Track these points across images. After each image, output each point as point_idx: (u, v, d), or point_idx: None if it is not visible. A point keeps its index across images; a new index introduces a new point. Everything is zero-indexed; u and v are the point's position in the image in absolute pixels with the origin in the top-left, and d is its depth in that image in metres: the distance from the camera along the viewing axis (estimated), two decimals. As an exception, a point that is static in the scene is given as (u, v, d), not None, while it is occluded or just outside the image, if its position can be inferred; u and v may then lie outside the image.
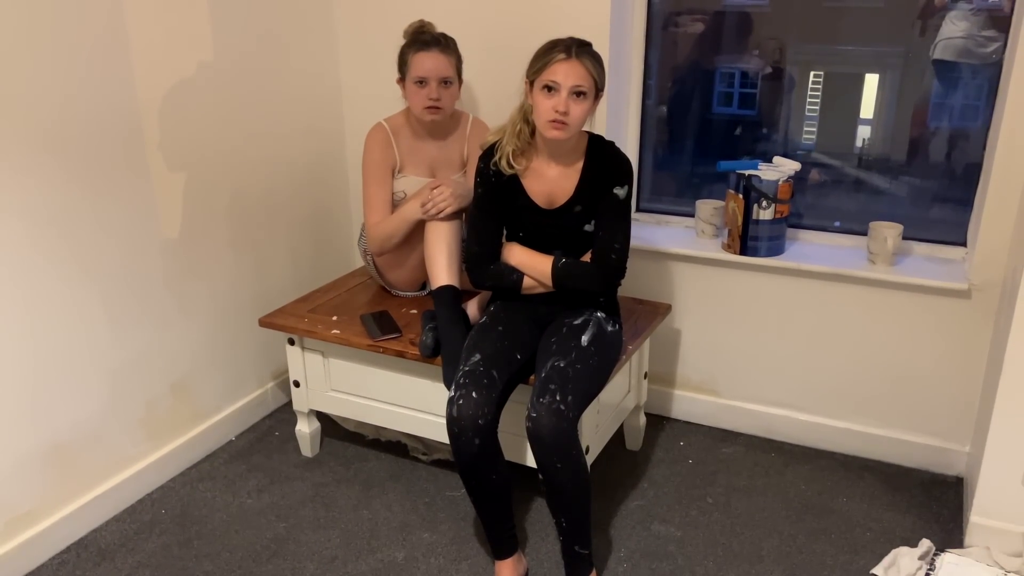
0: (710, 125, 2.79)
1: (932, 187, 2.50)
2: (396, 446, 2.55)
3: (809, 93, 2.66)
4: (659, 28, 2.61)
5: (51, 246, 1.97)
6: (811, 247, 2.49)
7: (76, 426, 2.11)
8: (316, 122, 2.79)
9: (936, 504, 2.27)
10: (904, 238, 2.39)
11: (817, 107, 2.65)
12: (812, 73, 2.65)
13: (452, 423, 1.79)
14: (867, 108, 2.60)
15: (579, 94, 1.83)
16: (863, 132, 2.63)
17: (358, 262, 2.97)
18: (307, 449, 2.52)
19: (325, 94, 2.81)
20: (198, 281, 2.41)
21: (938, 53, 2.37)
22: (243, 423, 2.66)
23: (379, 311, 2.34)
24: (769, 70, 2.65)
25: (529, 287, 2.00)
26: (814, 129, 2.68)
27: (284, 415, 2.75)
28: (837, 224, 2.55)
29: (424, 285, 2.47)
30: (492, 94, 2.57)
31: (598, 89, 1.87)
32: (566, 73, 1.82)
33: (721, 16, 2.65)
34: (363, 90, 2.83)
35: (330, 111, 2.84)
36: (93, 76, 2.00)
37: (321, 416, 2.54)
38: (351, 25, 2.76)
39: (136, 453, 2.30)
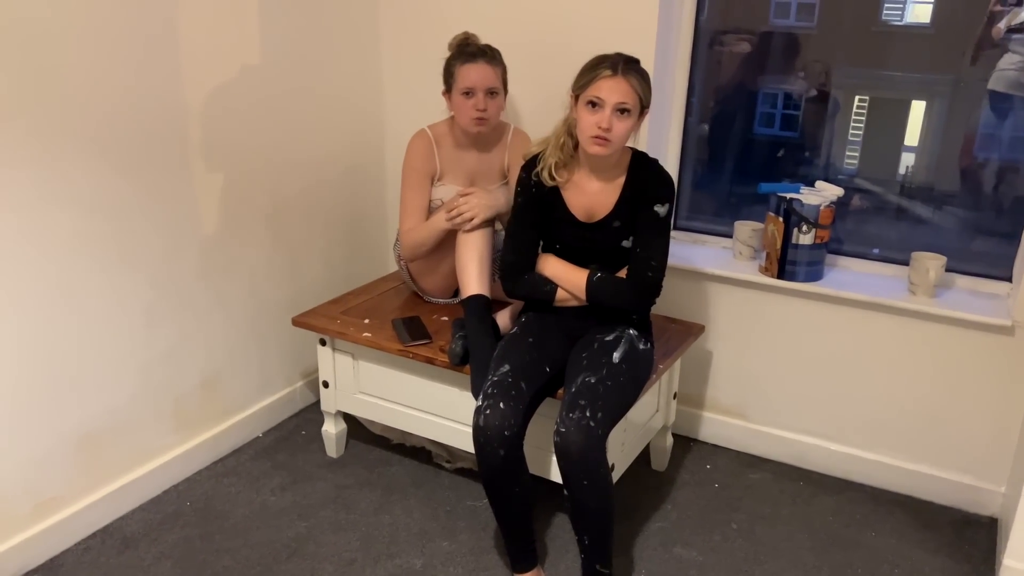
0: (750, 146, 2.77)
1: (977, 219, 2.45)
2: (420, 452, 2.55)
3: (853, 118, 2.63)
4: (704, 46, 2.59)
5: (96, 238, 2.00)
6: (850, 274, 2.45)
7: (107, 415, 2.13)
8: (356, 126, 2.81)
9: (968, 545, 2.21)
10: (947, 270, 2.34)
11: (860, 132, 2.62)
12: (857, 97, 2.62)
13: (478, 433, 1.78)
14: (912, 135, 2.56)
15: (623, 111, 1.82)
16: (907, 159, 2.60)
17: (391, 266, 2.98)
18: (332, 450, 2.53)
19: (367, 98, 2.83)
20: (233, 278, 2.44)
21: (992, 83, 2.33)
22: (270, 421, 2.68)
23: (410, 316, 2.35)
24: (813, 93, 2.62)
25: (562, 300, 1.99)
26: (856, 154, 2.64)
27: (310, 415, 2.76)
28: (876, 251, 2.50)
29: (456, 292, 2.47)
30: (535, 105, 2.57)
31: (643, 106, 1.87)
32: (611, 90, 1.81)
33: (768, 37, 2.63)
34: (405, 96, 2.85)
35: (371, 116, 2.86)
36: (143, 77, 2.04)
37: (347, 418, 2.54)
38: (395, 31, 2.78)
39: (164, 445, 2.32)
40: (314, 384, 2.83)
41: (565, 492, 1.78)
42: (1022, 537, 1.98)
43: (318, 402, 2.80)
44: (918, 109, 2.56)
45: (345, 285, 2.76)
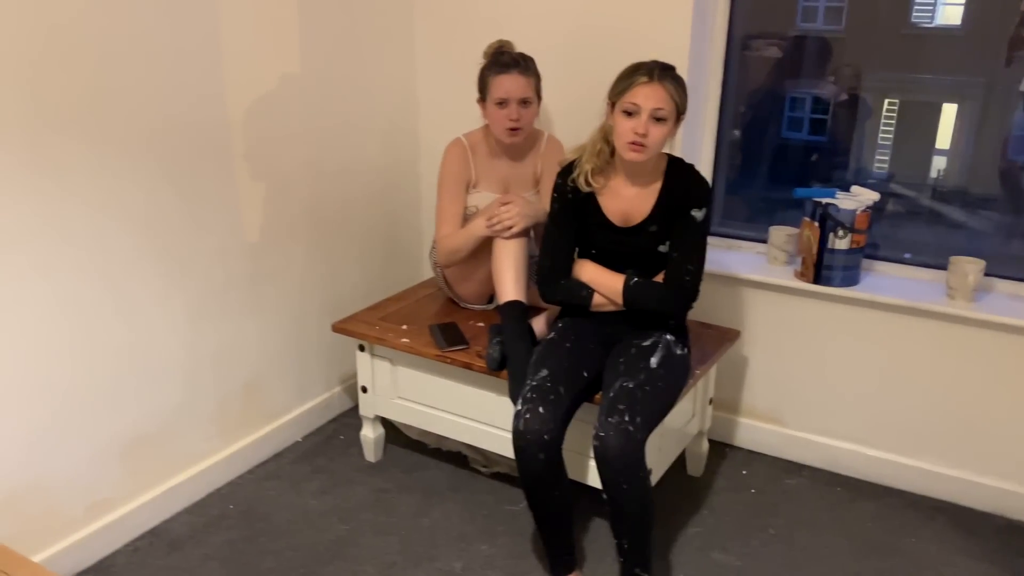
0: (780, 151, 2.77)
1: (1012, 222, 2.43)
2: (456, 456, 2.58)
3: (883, 121, 2.62)
4: (735, 52, 2.60)
5: (146, 246, 2.06)
6: (887, 279, 2.44)
7: (155, 419, 2.19)
8: (392, 135, 2.85)
9: (1012, 553, 2.19)
10: (985, 274, 2.32)
11: (891, 135, 2.61)
12: (887, 100, 2.61)
13: (518, 437, 1.80)
14: (943, 138, 2.55)
15: (659, 119, 1.84)
16: (938, 163, 2.58)
17: (426, 273, 3.02)
18: (370, 454, 2.56)
19: (402, 107, 2.88)
20: (274, 284, 2.49)
21: None
22: (309, 425, 2.72)
23: (447, 322, 2.38)
24: (843, 96, 2.62)
25: (599, 304, 2.01)
26: (887, 158, 2.63)
27: (348, 419, 2.81)
28: (908, 256, 2.49)
29: (491, 299, 2.50)
30: (568, 112, 2.59)
31: (679, 113, 1.88)
32: (647, 96, 1.83)
33: (796, 40, 2.64)
34: (439, 105, 2.89)
35: (406, 124, 2.91)
36: (190, 92, 2.09)
37: (384, 423, 2.58)
38: (430, 40, 2.83)
39: (207, 448, 2.37)
40: (351, 389, 2.88)
41: (604, 496, 1.80)
42: (1067, 544, 1.96)
43: (355, 407, 2.85)
44: (949, 112, 2.55)
45: (382, 291, 2.80)
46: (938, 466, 2.40)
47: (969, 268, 2.26)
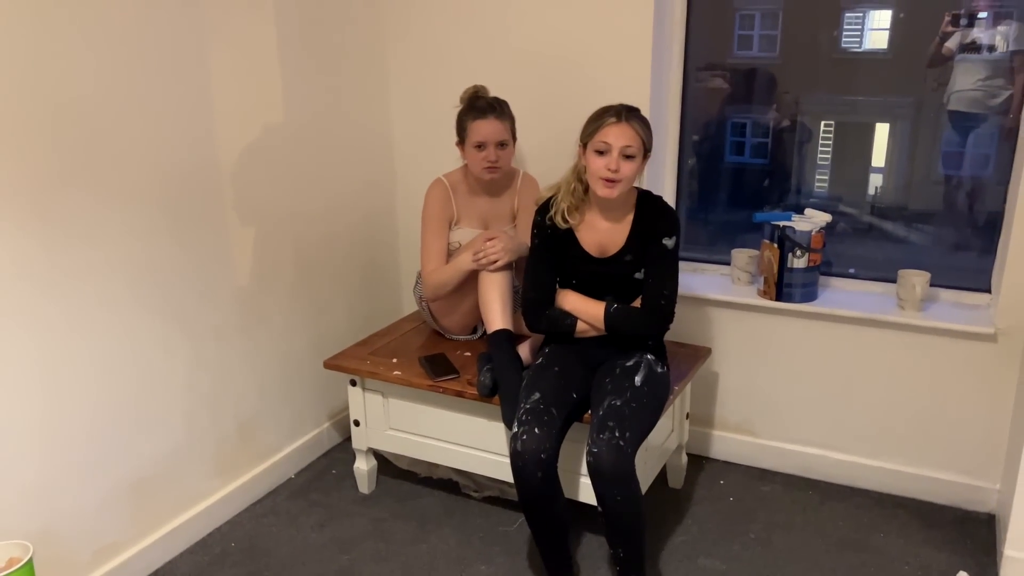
0: (728, 176, 2.95)
1: (948, 234, 2.64)
2: (448, 484, 2.67)
3: (821, 143, 2.80)
4: (691, 86, 2.78)
5: (144, 292, 2.14)
6: (842, 293, 2.63)
7: (156, 462, 2.25)
8: (371, 178, 2.97)
9: (970, 540, 2.37)
10: (930, 285, 2.52)
11: (829, 156, 2.80)
12: (823, 123, 2.78)
13: (516, 457, 1.92)
14: (879, 157, 2.74)
15: (629, 156, 2.00)
16: (875, 180, 2.78)
17: (407, 308, 3.13)
18: (364, 486, 2.64)
19: (379, 153, 3.00)
20: (263, 326, 2.57)
21: (952, 104, 2.52)
22: (302, 461, 2.79)
23: (436, 353, 2.49)
24: (782, 121, 2.80)
25: (582, 331, 2.15)
26: (827, 178, 2.82)
27: (339, 454, 2.88)
28: (852, 271, 2.68)
29: (475, 329, 2.63)
30: (540, 149, 2.74)
31: (646, 150, 2.05)
32: (617, 135, 1.99)
33: (733, 69, 2.83)
34: (414, 148, 3.02)
35: (383, 168, 3.04)
36: (182, 140, 2.19)
37: (376, 455, 2.66)
38: (403, 88, 2.97)
39: (207, 489, 2.43)
40: (340, 424, 2.96)
41: (599, 509, 1.92)
42: (1019, 529, 2.14)
43: (345, 442, 2.94)
44: (883, 131, 2.74)
45: (365, 328, 2.89)
46: (899, 465, 2.58)
47: (916, 280, 2.45)
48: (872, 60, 2.68)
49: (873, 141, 2.76)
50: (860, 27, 2.66)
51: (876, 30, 2.65)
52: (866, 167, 2.79)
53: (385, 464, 2.73)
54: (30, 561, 1.32)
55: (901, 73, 2.63)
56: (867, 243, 2.74)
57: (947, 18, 2.46)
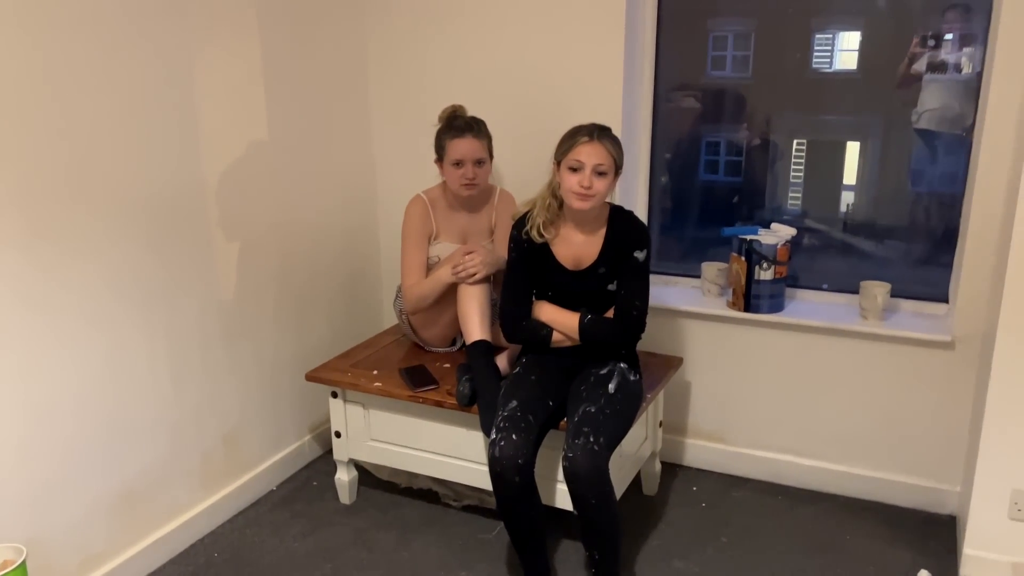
0: (703, 193, 3.05)
1: (915, 249, 2.75)
2: (428, 493, 2.73)
3: (793, 161, 2.90)
4: (661, 104, 2.89)
5: (131, 307, 2.19)
6: (808, 304, 2.74)
7: (142, 475, 2.29)
8: (351, 194, 3.05)
9: (932, 541, 2.46)
10: (892, 296, 2.63)
11: (802, 174, 2.90)
12: (795, 142, 2.88)
13: (494, 463, 1.98)
14: (850, 174, 2.83)
15: (601, 173, 2.08)
16: (847, 197, 2.88)
17: (388, 321, 3.19)
18: (345, 497, 2.69)
19: (360, 170, 3.08)
20: (247, 340, 2.62)
21: (920, 123, 2.63)
22: (283, 473, 2.84)
23: (415, 365, 2.55)
24: (754, 140, 2.90)
25: (558, 341, 2.23)
26: (799, 195, 2.93)
27: (320, 466, 2.93)
28: (825, 287, 2.78)
29: (455, 341, 2.69)
30: (517, 166, 2.82)
31: (618, 167, 2.14)
32: (589, 154, 2.08)
33: (707, 89, 2.92)
34: (394, 165, 3.10)
35: (364, 185, 3.11)
36: (168, 158, 2.25)
37: (356, 466, 2.71)
38: (384, 110, 3.05)
39: (190, 500, 2.47)
40: (321, 437, 3.00)
41: (575, 512, 1.99)
42: (977, 529, 2.23)
43: (325, 454, 2.99)
44: (853, 149, 2.83)
45: (347, 342, 2.95)
46: (864, 470, 2.67)
47: (877, 291, 2.56)
48: (842, 80, 2.77)
49: (844, 159, 2.85)
50: (830, 48, 2.76)
51: (846, 51, 2.75)
52: (837, 185, 2.88)
53: (366, 475, 2.78)
54: (23, 564, 1.36)
55: (870, 93, 2.73)
56: (839, 258, 2.84)
57: (915, 40, 2.57)
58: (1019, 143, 2.13)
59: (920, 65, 2.59)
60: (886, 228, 2.82)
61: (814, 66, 2.77)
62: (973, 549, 2.24)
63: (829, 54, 2.77)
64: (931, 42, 2.57)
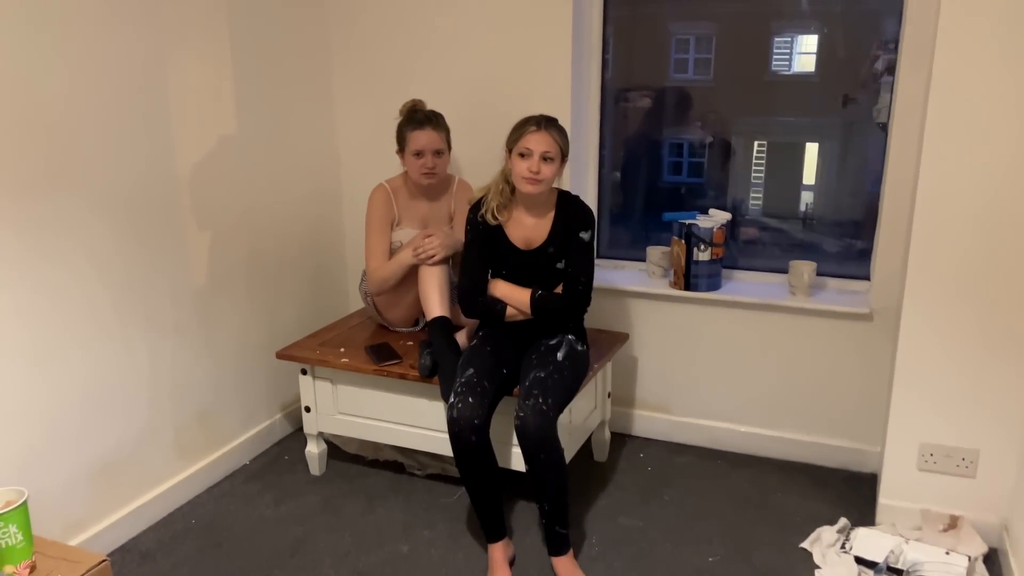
0: (662, 193, 3.21)
1: (864, 240, 2.93)
2: (393, 464, 2.91)
3: (754, 161, 3.02)
4: (611, 104, 3.10)
5: (110, 290, 2.33)
6: (743, 283, 2.97)
7: (121, 446, 2.43)
8: (317, 187, 3.21)
9: (855, 495, 2.70)
10: (820, 275, 2.87)
11: (762, 174, 3.03)
12: (756, 143, 3.00)
13: (452, 423, 2.17)
14: (809, 175, 2.96)
15: (548, 158, 2.28)
16: (806, 197, 3.00)
17: (353, 306, 3.36)
18: (315, 468, 2.86)
19: (325, 162, 3.25)
20: (219, 323, 2.78)
21: (880, 118, 2.74)
22: (255, 449, 2.99)
23: (380, 343, 2.73)
24: (715, 140, 3.01)
25: (512, 315, 2.42)
26: (760, 194, 3.06)
27: (291, 443, 3.09)
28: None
29: (417, 321, 2.88)
30: (472, 157, 3.02)
31: (563, 154, 2.34)
32: (537, 142, 2.28)
33: (670, 91, 3.07)
34: (356, 158, 3.28)
35: (329, 177, 3.28)
36: (144, 151, 2.41)
37: (325, 441, 2.88)
38: (347, 105, 3.22)
39: (168, 472, 2.62)
40: (291, 416, 3.16)
41: (527, 468, 2.18)
42: (890, 480, 2.48)
43: (295, 432, 3.15)
44: (812, 150, 2.94)
45: (313, 326, 3.12)
46: (795, 434, 2.91)
47: (804, 269, 2.80)
48: (801, 83, 2.88)
49: (804, 160, 2.96)
50: (789, 51, 2.87)
51: (804, 54, 2.86)
52: (797, 184, 2.99)
53: (334, 450, 2.95)
54: (25, 503, 1.51)
55: (828, 95, 2.83)
56: (796, 253, 2.95)
57: (875, 42, 2.71)
58: (921, 138, 2.36)
59: (880, 66, 2.76)
60: (843, 223, 2.94)
61: (773, 68, 2.87)
62: (887, 498, 2.49)
63: (788, 57, 2.87)
64: (891, 45, 2.71)
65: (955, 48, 2.12)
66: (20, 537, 1.49)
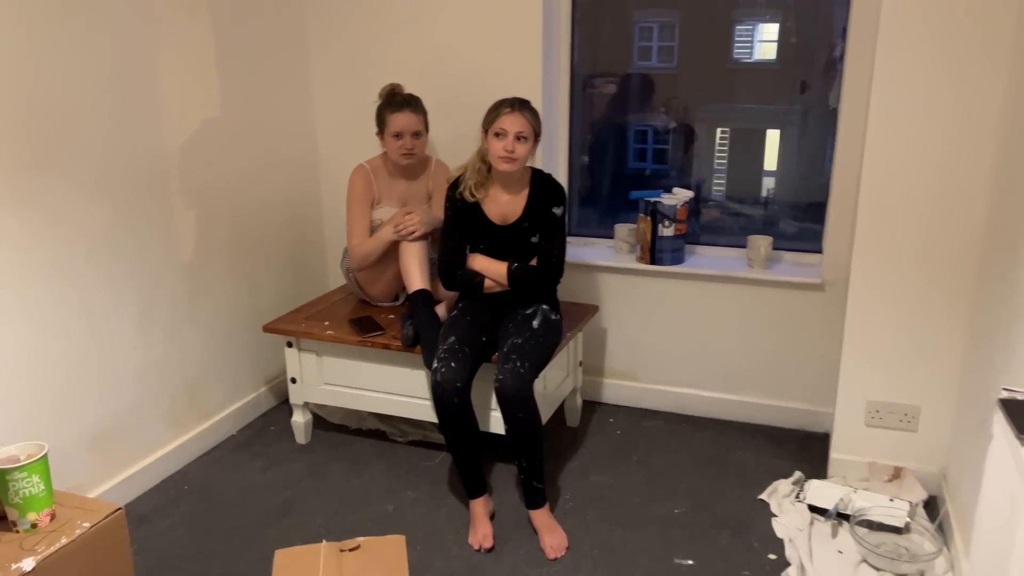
0: (624, 174, 3.37)
1: (802, 214, 3.15)
2: (376, 433, 3.05)
3: (717, 148, 3.15)
4: (579, 89, 3.24)
5: (102, 267, 2.44)
6: (705, 258, 3.15)
7: (115, 416, 2.54)
8: (296, 166, 3.33)
9: (808, 452, 2.91)
10: (776, 249, 3.06)
11: (725, 160, 3.17)
12: (719, 130, 3.12)
13: (436, 387, 2.32)
14: (770, 160, 3.09)
15: (522, 137, 2.43)
16: (768, 183, 3.15)
17: (333, 283, 3.49)
18: (301, 437, 2.99)
19: (304, 145, 3.36)
20: (206, 299, 2.89)
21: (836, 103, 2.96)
22: (242, 421, 3.11)
23: (363, 316, 2.86)
24: (678, 127, 3.13)
25: (489, 287, 2.57)
26: (723, 180, 3.20)
27: (276, 415, 3.21)
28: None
29: (397, 296, 3.01)
30: (449, 138, 3.15)
31: (536, 134, 2.49)
32: (511, 122, 2.42)
33: (634, 78, 3.21)
34: (334, 141, 3.39)
35: (308, 157, 3.39)
36: (134, 134, 2.51)
37: (310, 411, 3.01)
38: (325, 89, 3.34)
39: (160, 441, 2.73)
40: (275, 390, 3.28)
41: (506, 427, 2.34)
42: (840, 435, 2.68)
43: (280, 404, 3.28)
44: (773, 137, 3.06)
45: (294, 303, 3.24)
46: (753, 398, 3.11)
47: (761, 243, 2.99)
48: (762, 71, 2.99)
49: (765, 146, 3.08)
50: (750, 40, 2.97)
51: (765, 42, 2.96)
52: (759, 170, 3.11)
53: (319, 421, 3.08)
54: (45, 456, 1.62)
55: (788, 83, 2.93)
56: (743, 225, 3.13)
57: (834, 31, 2.82)
58: (866, 122, 2.55)
59: (838, 52, 2.90)
60: (801, 207, 3.09)
61: (735, 56, 2.97)
62: (838, 453, 2.70)
63: (749, 45, 2.96)
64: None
65: (896, 37, 2.31)
66: (42, 487, 1.60)
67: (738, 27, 2.96)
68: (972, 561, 1.98)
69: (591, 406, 3.26)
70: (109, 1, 2.36)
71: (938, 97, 2.31)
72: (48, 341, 2.29)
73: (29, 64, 2.15)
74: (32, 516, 1.59)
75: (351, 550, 1.64)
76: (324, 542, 1.65)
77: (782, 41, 2.95)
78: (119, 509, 1.68)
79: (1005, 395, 1.62)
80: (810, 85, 2.97)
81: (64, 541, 1.56)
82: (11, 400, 2.20)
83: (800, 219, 3.13)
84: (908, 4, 2.27)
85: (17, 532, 1.59)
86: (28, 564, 1.49)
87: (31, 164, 2.18)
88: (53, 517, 1.63)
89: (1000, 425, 1.58)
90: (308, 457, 2.90)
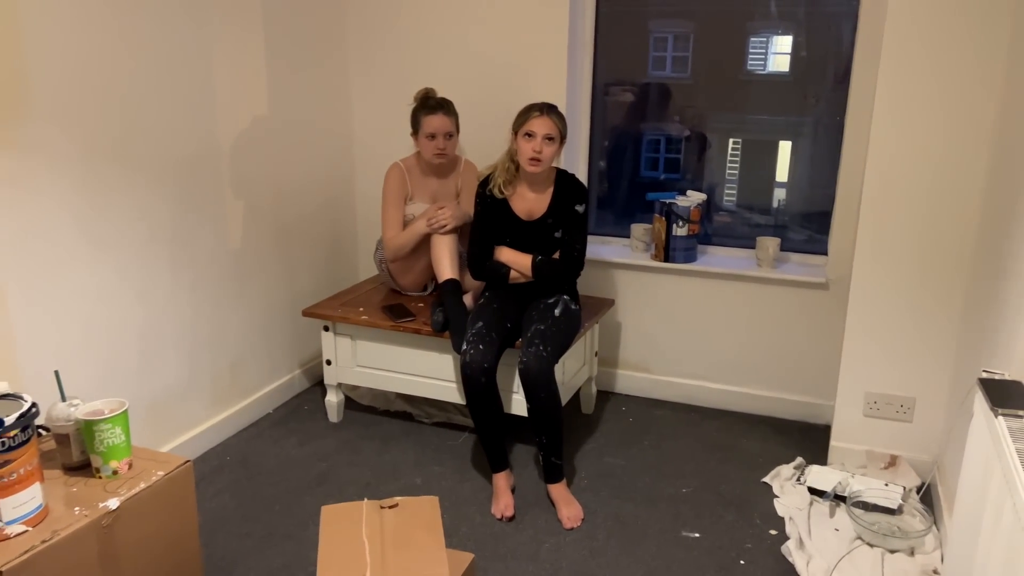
0: (639, 179, 3.54)
1: (825, 229, 3.30)
2: (403, 414, 3.25)
3: (729, 158, 3.28)
4: (600, 96, 3.44)
5: (162, 250, 2.65)
6: (716, 257, 3.34)
7: (164, 389, 2.75)
8: (334, 163, 3.54)
9: (810, 442, 3.09)
10: (783, 250, 3.25)
11: (737, 171, 3.30)
12: (731, 140, 3.25)
13: (465, 367, 2.52)
14: (782, 171, 3.22)
15: (549, 139, 2.63)
16: (779, 193, 3.29)
17: (364, 273, 3.70)
18: (334, 416, 3.19)
19: (341, 144, 3.58)
20: (250, 283, 3.10)
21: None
22: (278, 400, 3.32)
23: (395, 303, 3.07)
24: (694, 136, 3.27)
25: (515, 278, 2.77)
26: (735, 189, 3.34)
27: (310, 396, 3.42)
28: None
29: (426, 286, 3.22)
30: (478, 140, 3.34)
31: (562, 137, 2.69)
32: (540, 125, 2.62)
33: (648, 87, 3.39)
34: (369, 141, 3.60)
35: (344, 158, 3.61)
36: (192, 128, 2.72)
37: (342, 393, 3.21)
38: (362, 87, 3.55)
39: (204, 415, 2.94)
40: (309, 372, 3.49)
41: (528, 406, 2.53)
42: (840, 424, 2.86)
43: (313, 387, 3.48)
44: (785, 148, 3.18)
45: (329, 289, 3.45)
46: (759, 390, 3.29)
47: (769, 244, 3.18)
48: (775, 82, 3.10)
49: (777, 157, 3.19)
50: (764, 51, 3.08)
51: (779, 54, 3.08)
52: (770, 180, 3.22)
53: (349, 402, 3.28)
54: (126, 410, 1.83)
55: (801, 94, 3.03)
56: (753, 228, 3.28)
57: (846, 44, 2.94)
58: (870, 130, 2.74)
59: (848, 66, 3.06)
60: (812, 216, 3.23)
61: (749, 68, 3.08)
62: (838, 441, 2.88)
63: (763, 57, 3.07)
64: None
65: (898, 54, 2.50)
66: (123, 438, 1.80)
67: (752, 39, 3.08)
68: (954, 523, 2.15)
69: (605, 395, 3.46)
70: (174, 6, 2.58)
71: (936, 109, 2.49)
72: (111, 314, 2.50)
73: (105, 61, 2.37)
74: (114, 464, 1.79)
75: (390, 507, 1.83)
76: (365, 499, 1.85)
77: (795, 54, 3.07)
78: (187, 461, 1.88)
79: (984, 376, 1.80)
80: (819, 98, 3.13)
81: (142, 486, 1.76)
82: (77, 365, 2.41)
83: (810, 229, 3.29)
84: (909, 25, 2.46)
85: (100, 478, 1.79)
86: (113, 503, 1.69)
87: (103, 152, 2.40)
88: (131, 466, 1.83)
89: (979, 403, 1.76)
90: (340, 434, 3.10)
